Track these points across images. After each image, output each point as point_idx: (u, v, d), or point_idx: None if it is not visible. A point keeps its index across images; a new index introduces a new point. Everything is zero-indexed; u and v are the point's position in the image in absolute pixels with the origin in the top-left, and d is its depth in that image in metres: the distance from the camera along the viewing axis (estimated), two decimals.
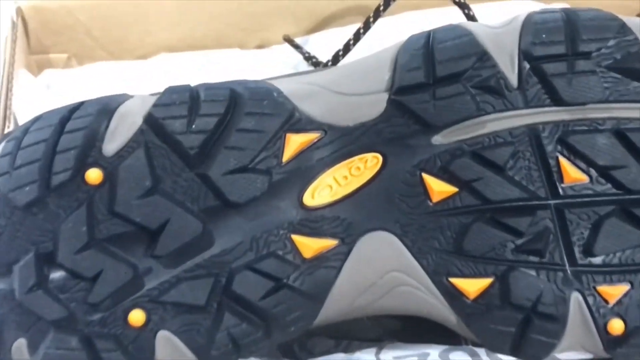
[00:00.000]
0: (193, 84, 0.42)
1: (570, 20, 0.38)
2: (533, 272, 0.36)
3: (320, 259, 0.37)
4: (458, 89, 0.38)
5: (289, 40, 0.79)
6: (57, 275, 0.35)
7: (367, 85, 0.39)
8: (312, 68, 0.73)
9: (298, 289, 0.37)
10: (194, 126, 0.36)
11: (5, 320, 0.34)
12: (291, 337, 0.39)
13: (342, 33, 0.76)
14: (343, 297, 0.38)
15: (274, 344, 0.38)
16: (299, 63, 0.78)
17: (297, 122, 0.38)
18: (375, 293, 0.38)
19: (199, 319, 0.35)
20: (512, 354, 0.37)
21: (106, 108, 0.37)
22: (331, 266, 0.37)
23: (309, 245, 0.38)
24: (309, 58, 0.74)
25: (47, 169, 0.34)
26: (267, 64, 0.81)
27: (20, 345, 0.35)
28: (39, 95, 0.74)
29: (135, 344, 0.34)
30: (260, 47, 0.84)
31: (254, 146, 0.36)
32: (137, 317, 0.35)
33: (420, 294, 0.38)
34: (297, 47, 0.77)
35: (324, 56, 0.73)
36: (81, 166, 0.35)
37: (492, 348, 0.38)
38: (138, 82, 0.77)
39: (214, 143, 0.37)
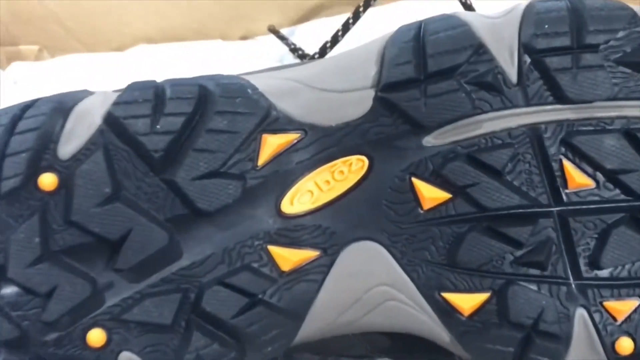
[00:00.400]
0: (172, 77, 0.40)
1: (575, 10, 0.36)
2: (534, 287, 0.34)
3: (300, 272, 0.35)
4: (452, 85, 0.36)
5: (274, 31, 0.77)
6: (8, 290, 0.33)
7: (352, 82, 0.38)
8: (298, 61, 0.71)
9: (275, 305, 0.34)
10: (158, 126, 0.34)
11: None
12: (268, 357, 0.36)
13: (331, 23, 0.74)
14: (325, 314, 0.36)
15: None
16: (284, 55, 0.76)
17: (274, 121, 0.36)
18: (361, 309, 0.36)
19: (165, 340, 0.33)
20: None
21: (62, 106, 0.34)
22: (312, 280, 0.35)
23: (288, 257, 0.36)
24: (295, 50, 0.71)
25: None
26: (251, 57, 0.79)
27: None
28: (5, 91, 0.71)
29: None
30: (244, 38, 0.82)
31: (225, 148, 0.34)
32: (96, 336, 0.32)
33: (410, 310, 0.36)
34: (282, 38, 0.75)
35: (311, 48, 0.71)
36: (34, 171, 0.33)
37: None
38: (114, 76, 0.73)
39: (181, 145, 0.34)
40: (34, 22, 0.79)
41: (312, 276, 0.35)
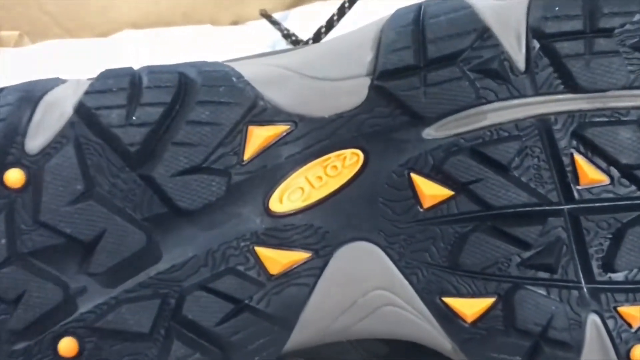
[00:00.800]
0: (157, 64, 0.38)
1: None
2: (543, 291, 0.32)
3: (290, 275, 0.33)
4: (454, 72, 0.34)
5: (266, 15, 0.75)
6: None
7: (346, 69, 0.36)
8: (291, 47, 0.67)
9: (262, 311, 0.33)
10: (134, 118, 0.32)
11: None
12: None
13: (326, 8, 0.74)
14: (317, 320, 0.34)
15: None
16: (277, 41, 0.73)
17: (261, 112, 0.34)
18: (356, 314, 0.35)
19: (142, 349, 0.30)
20: None
21: (29, 95, 0.32)
22: (303, 283, 0.33)
23: (276, 259, 0.34)
24: (288, 36, 0.70)
25: None
26: (242, 43, 0.76)
27: None
28: None
29: None
30: (234, 23, 0.81)
31: (208, 142, 0.32)
32: (68, 346, 0.30)
33: (409, 315, 0.34)
34: (275, 23, 0.73)
35: (305, 34, 0.69)
36: None
37: None
38: (98, 63, 0.67)
39: (159, 138, 0.32)
40: (13, 6, 0.76)
41: (303, 280, 0.33)
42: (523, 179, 0.33)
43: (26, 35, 0.79)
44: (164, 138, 0.33)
